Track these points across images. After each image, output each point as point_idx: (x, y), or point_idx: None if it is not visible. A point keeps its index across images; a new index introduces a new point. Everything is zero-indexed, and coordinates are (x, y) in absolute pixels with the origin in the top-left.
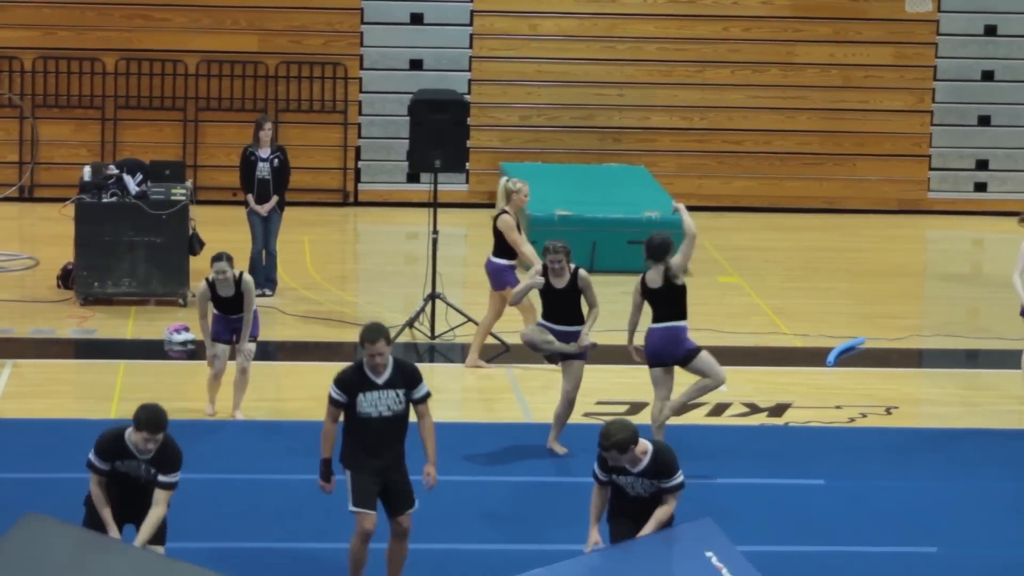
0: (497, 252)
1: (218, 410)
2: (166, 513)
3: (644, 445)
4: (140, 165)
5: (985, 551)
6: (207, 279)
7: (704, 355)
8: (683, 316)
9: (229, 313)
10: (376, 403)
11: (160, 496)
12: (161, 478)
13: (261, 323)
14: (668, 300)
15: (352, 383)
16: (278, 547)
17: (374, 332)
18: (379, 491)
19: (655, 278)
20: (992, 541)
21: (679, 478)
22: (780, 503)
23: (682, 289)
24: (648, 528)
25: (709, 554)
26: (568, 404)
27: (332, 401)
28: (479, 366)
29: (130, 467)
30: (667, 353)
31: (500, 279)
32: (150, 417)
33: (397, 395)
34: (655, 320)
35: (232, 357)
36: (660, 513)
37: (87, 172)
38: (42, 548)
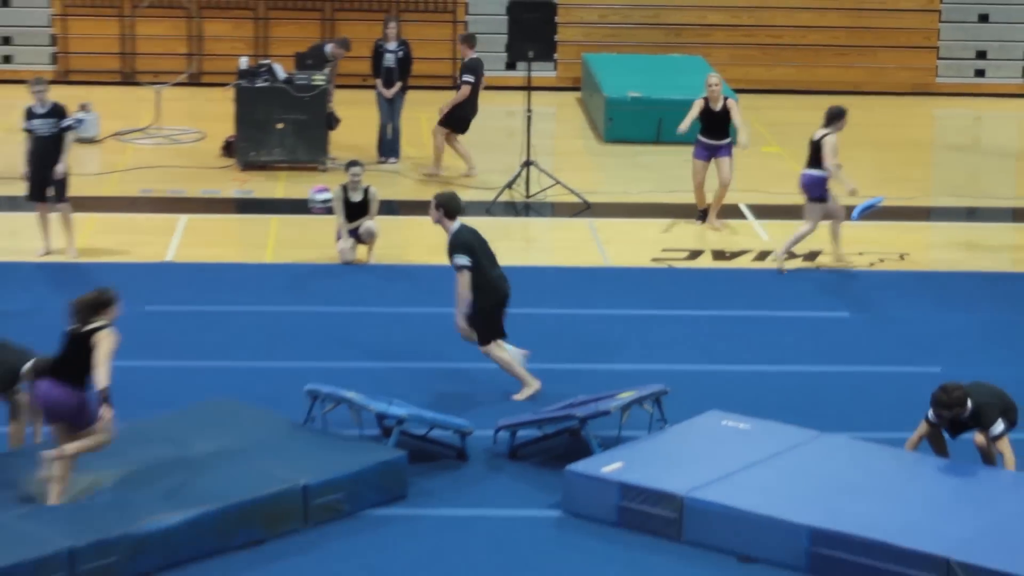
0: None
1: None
2: None
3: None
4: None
5: (981, 370)
6: (342, 184)
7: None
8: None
9: (354, 218)
10: None
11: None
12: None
13: (388, 183)
14: None
15: None
16: (405, 367)
17: None
18: None
19: None
20: (987, 362)
21: (1000, 426)
22: (812, 331)
23: None
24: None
25: (726, 423)
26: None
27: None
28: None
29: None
30: None
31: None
32: None
33: None
34: None
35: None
36: (1007, 463)
37: (243, 62)
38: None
